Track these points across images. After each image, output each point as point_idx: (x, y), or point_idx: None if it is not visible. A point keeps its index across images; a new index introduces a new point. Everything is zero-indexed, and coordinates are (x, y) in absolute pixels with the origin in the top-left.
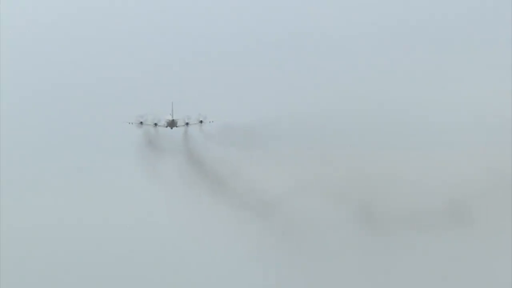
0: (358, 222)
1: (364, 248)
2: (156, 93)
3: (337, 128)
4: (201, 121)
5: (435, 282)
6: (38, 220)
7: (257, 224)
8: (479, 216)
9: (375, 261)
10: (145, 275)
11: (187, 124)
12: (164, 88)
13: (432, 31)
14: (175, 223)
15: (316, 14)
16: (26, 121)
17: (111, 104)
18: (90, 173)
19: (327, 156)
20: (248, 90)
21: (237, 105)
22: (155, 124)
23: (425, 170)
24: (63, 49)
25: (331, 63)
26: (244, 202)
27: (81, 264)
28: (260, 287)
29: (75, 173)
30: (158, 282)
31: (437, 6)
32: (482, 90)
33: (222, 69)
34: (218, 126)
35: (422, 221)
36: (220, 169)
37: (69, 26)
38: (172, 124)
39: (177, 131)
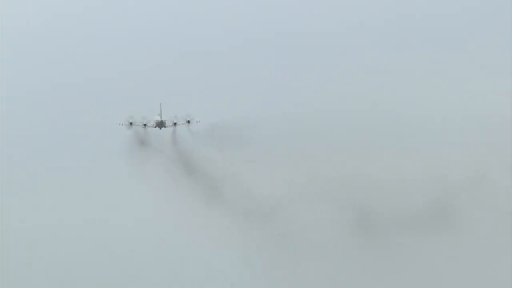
0: (355, 225)
1: (361, 252)
2: (144, 94)
3: (328, 128)
4: (188, 121)
5: (433, 284)
6: (28, 220)
7: (250, 227)
8: (475, 217)
9: (373, 265)
10: (136, 276)
11: (175, 124)
12: (152, 89)
13: (427, 30)
14: (167, 223)
15: (305, 13)
16: (16, 122)
17: (100, 105)
18: (81, 173)
19: (317, 157)
20: (236, 90)
21: (224, 104)
22: (144, 125)
23: (420, 171)
24: (51, 50)
25: (322, 61)
26: (234, 203)
27: (69, 263)
28: None
29: (66, 173)
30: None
31: (433, 4)
32: (478, 90)
33: (209, 69)
34: (205, 126)
35: (419, 223)
36: (209, 168)
37: (57, 27)
38: (160, 124)
39: (166, 131)
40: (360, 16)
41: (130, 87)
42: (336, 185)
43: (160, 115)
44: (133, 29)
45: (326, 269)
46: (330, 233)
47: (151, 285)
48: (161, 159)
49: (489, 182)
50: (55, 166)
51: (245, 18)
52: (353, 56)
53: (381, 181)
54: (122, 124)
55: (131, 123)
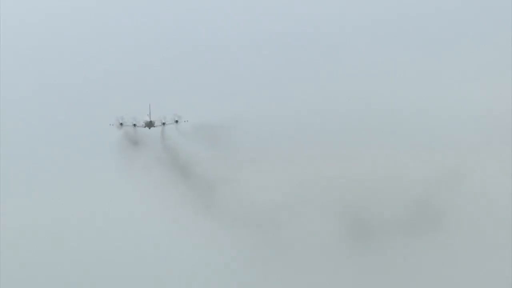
0: (348, 228)
1: (355, 255)
2: (133, 95)
3: (317, 128)
4: (176, 121)
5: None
6: (17, 220)
7: (242, 232)
8: (462, 216)
9: (366, 269)
10: (126, 276)
11: (163, 124)
12: (141, 91)
13: (420, 29)
14: (158, 224)
15: (295, 12)
16: (6, 123)
17: (90, 106)
18: (73, 172)
19: (306, 157)
20: (224, 90)
21: (211, 105)
22: (134, 125)
23: (405, 171)
24: (41, 52)
25: (313, 61)
26: (226, 206)
27: (57, 263)
28: None
29: (58, 173)
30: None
31: (432, 3)
32: (464, 90)
33: (197, 70)
34: (192, 125)
35: (410, 224)
36: (197, 167)
37: (45, 29)
38: (150, 124)
39: (155, 130)
40: (353, 14)
41: (120, 89)
42: (327, 186)
43: (149, 116)
44: (122, 31)
45: (321, 273)
46: (323, 237)
47: (141, 285)
48: (151, 158)
49: (473, 181)
50: (46, 166)
51: (234, 17)
52: (344, 55)
53: (373, 182)
54: (113, 125)
55: (121, 124)
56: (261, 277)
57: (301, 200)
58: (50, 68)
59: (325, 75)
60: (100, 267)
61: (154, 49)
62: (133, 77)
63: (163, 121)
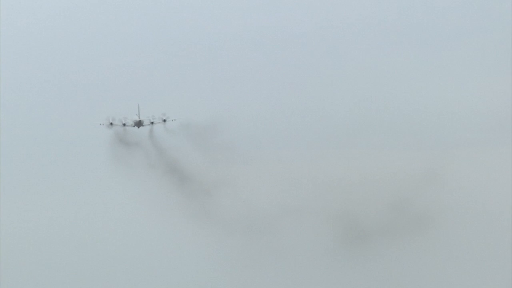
0: (340, 233)
1: (348, 261)
2: (122, 95)
3: (305, 128)
4: (164, 120)
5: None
6: (7, 219)
7: (236, 237)
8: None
9: (361, 273)
10: (116, 277)
11: (152, 123)
12: (130, 91)
13: (397, 27)
14: (149, 224)
15: (284, 10)
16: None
17: (80, 107)
18: (64, 172)
19: (293, 158)
20: (212, 89)
21: (199, 103)
22: (124, 124)
23: (382, 171)
24: (31, 53)
25: (302, 60)
26: (218, 210)
27: (50, 263)
28: None
29: (50, 174)
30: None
31: (433, 2)
32: (443, 89)
33: (185, 68)
34: (180, 124)
35: (396, 226)
36: (186, 166)
37: (35, 29)
38: (139, 124)
39: (144, 129)
40: (343, 13)
41: (110, 89)
42: (315, 189)
43: (138, 115)
44: (112, 33)
45: (314, 277)
46: (312, 241)
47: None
48: (140, 156)
49: (457, 181)
50: (37, 166)
51: (224, 16)
52: (335, 55)
53: (361, 184)
54: (103, 124)
55: (111, 123)
56: (255, 279)
57: (290, 203)
58: (39, 68)
59: (316, 74)
60: (90, 272)
61: (142, 50)
62: (122, 78)
63: (152, 120)
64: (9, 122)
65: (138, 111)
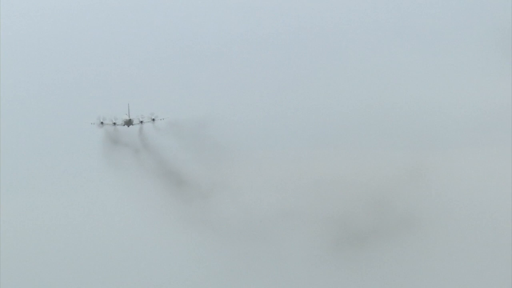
0: (333, 237)
1: (342, 264)
2: (113, 95)
3: (292, 129)
4: (153, 119)
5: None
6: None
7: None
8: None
9: (355, 278)
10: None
11: (141, 122)
12: (120, 89)
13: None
14: (140, 223)
15: (275, 9)
16: None
17: (70, 106)
18: (57, 171)
19: (280, 158)
20: (202, 88)
21: (189, 102)
22: (114, 124)
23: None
24: (20, 52)
25: (291, 60)
26: (208, 214)
27: (37, 262)
28: None
29: (42, 173)
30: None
31: (431, 3)
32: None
33: (173, 67)
34: (168, 123)
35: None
36: (173, 163)
37: (23, 29)
38: (129, 123)
39: (133, 128)
40: (337, 11)
41: (100, 89)
42: (303, 190)
43: (128, 114)
44: (101, 33)
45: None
46: (300, 244)
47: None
48: (131, 155)
49: (440, 181)
50: (29, 165)
51: (215, 15)
52: (326, 55)
53: (355, 184)
54: (94, 124)
55: (102, 122)
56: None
57: (280, 204)
58: (30, 68)
59: (301, 75)
60: (80, 272)
61: (131, 50)
62: (112, 78)
63: (141, 120)
64: None
65: (128, 110)
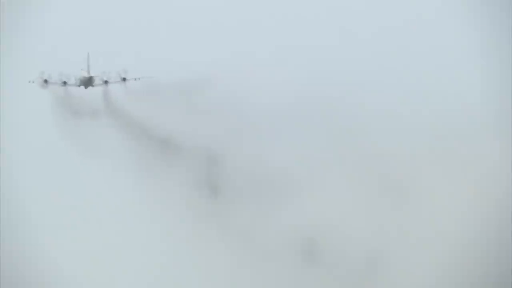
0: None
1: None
2: (64, 40)
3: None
4: (124, 79)
5: None
6: None
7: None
8: None
9: None
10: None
11: (105, 82)
12: (76, 36)
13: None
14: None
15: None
16: None
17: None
18: None
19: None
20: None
21: (173, 58)
22: (64, 83)
23: None
24: None
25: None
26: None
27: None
28: None
29: None
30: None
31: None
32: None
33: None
34: (144, 85)
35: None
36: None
37: None
38: (87, 82)
39: (94, 91)
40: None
41: (45, 32)
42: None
43: (88, 70)
44: None
45: None
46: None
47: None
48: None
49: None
50: None
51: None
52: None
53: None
54: (33, 82)
55: (46, 81)
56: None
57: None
58: None
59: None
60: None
61: None
62: (66, 21)
63: (105, 79)
64: None
65: (87, 64)
